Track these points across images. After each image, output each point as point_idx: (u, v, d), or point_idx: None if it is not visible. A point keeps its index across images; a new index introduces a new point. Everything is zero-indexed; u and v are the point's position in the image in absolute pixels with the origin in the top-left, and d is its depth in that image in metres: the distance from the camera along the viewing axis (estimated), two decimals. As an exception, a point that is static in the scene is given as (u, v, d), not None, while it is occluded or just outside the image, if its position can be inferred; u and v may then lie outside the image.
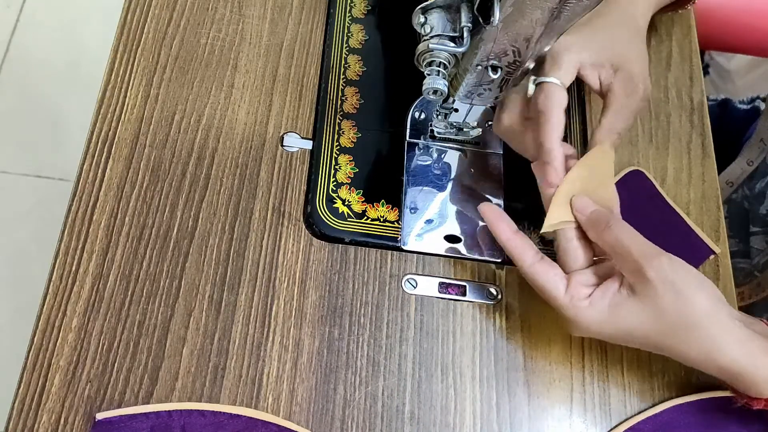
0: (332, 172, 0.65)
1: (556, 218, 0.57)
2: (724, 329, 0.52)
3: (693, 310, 0.52)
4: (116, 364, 0.56)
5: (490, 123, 0.69)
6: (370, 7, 0.74)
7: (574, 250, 0.57)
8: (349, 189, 0.65)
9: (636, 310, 0.53)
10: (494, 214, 0.58)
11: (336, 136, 0.67)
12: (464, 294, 0.62)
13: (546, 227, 0.57)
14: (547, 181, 0.58)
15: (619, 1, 0.65)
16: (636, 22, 0.64)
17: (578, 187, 0.58)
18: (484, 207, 0.59)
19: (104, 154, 0.63)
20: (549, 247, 0.62)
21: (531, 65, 0.58)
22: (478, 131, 0.68)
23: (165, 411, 0.54)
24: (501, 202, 0.66)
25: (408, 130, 0.68)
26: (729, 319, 0.53)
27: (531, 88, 0.59)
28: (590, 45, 0.61)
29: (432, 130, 0.67)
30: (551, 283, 0.55)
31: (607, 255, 0.56)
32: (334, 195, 0.64)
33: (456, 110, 0.67)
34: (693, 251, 0.66)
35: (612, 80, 0.61)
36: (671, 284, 0.52)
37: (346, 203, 0.64)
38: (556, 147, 0.57)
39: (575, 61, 0.60)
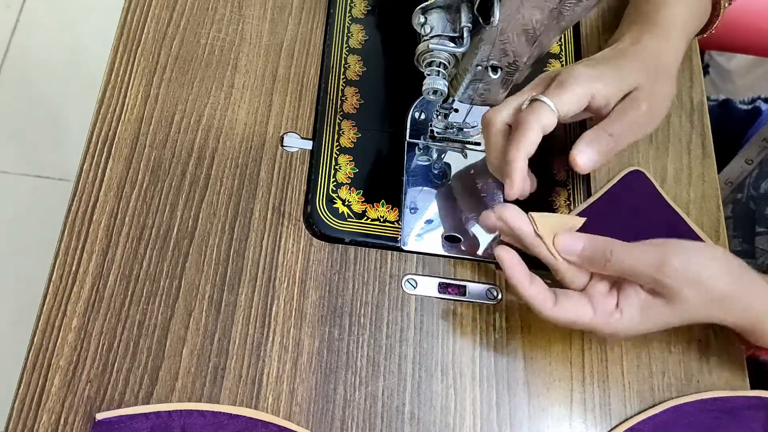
0: (332, 172, 0.65)
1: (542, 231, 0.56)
2: (745, 287, 0.55)
3: (716, 284, 0.54)
4: (116, 364, 0.56)
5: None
6: (370, 7, 0.74)
7: (539, 293, 0.55)
8: (349, 189, 0.65)
9: (664, 310, 0.54)
10: (512, 262, 0.55)
11: (336, 136, 0.67)
12: (464, 294, 0.62)
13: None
14: (511, 188, 0.57)
15: (641, 39, 0.64)
16: (658, 59, 0.63)
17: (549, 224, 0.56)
18: (502, 253, 0.55)
19: (104, 154, 0.63)
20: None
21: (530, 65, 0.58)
22: (478, 131, 0.68)
23: (165, 411, 0.54)
24: (501, 202, 0.66)
25: (408, 130, 0.68)
26: (747, 274, 0.56)
27: (525, 104, 0.58)
28: (604, 77, 0.59)
29: (432, 130, 0.67)
30: (578, 315, 0.54)
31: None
32: (334, 195, 0.64)
33: (456, 110, 0.67)
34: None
35: (618, 104, 0.60)
36: (688, 276, 0.53)
37: (346, 203, 0.64)
38: (519, 158, 0.56)
39: (585, 94, 0.58)
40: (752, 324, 0.56)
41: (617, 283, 0.56)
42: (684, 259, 0.53)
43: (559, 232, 0.56)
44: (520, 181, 0.57)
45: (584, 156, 0.58)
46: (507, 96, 0.62)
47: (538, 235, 0.55)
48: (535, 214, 0.56)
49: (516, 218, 0.56)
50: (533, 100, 0.57)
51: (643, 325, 0.55)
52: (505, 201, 0.59)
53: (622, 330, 0.54)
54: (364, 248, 0.62)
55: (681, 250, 0.54)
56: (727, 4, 0.68)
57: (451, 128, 0.67)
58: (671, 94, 0.63)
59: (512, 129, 0.58)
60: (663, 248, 0.54)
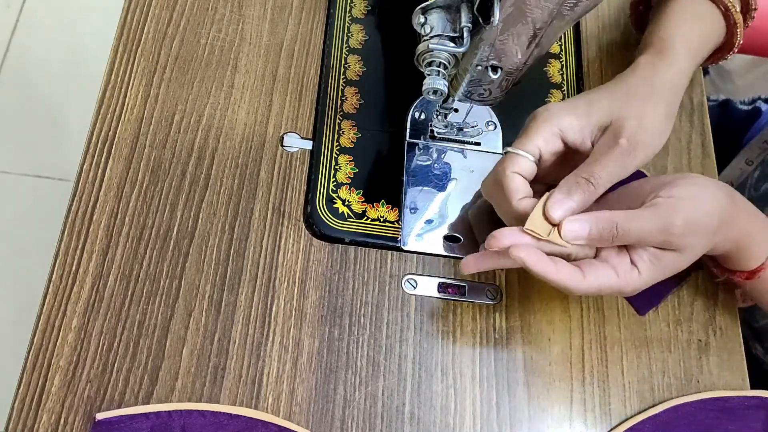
0: (332, 172, 0.65)
1: (531, 226, 0.54)
2: (737, 214, 0.57)
3: (713, 223, 0.55)
4: (116, 364, 0.56)
5: (490, 122, 0.69)
6: (370, 7, 0.74)
7: (566, 272, 0.54)
8: (349, 189, 0.65)
9: (674, 258, 0.55)
10: (531, 258, 0.53)
11: (336, 136, 0.67)
12: (464, 294, 0.62)
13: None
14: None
15: (638, 61, 0.61)
16: (651, 86, 0.59)
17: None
18: (519, 254, 0.53)
19: (104, 154, 0.63)
20: None
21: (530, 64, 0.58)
22: (478, 131, 0.68)
23: (165, 411, 0.54)
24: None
25: (408, 130, 0.68)
26: (740, 202, 0.59)
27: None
28: (574, 111, 0.57)
29: (432, 130, 0.67)
30: (605, 281, 0.54)
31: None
32: (334, 195, 0.64)
33: (456, 110, 0.67)
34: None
35: (597, 140, 0.57)
36: (692, 231, 0.54)
37: (346, 203, 0.64)
38: (515, 207, 0.56)
39: (553, 131, 0.56)
40: (738, 246, 0.59)
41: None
42: (685, 214, 0.54)
43: (563, 221, 0.54)
44: (507, 237, 0.54)
45: (559, 209, 0.54)
46: (505, 95, 0.63)
47: (545, 240, 0.54)
48: (528, 227, 0.54)
49: (529, 254, 0.53)
50: (505, 153, 0.58)
51: (658, 274, 0.56)
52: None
53: (643, 285, 0.55)
54: (364, 248, 0.62)
55: (680, 205, 0.54)
56: (738, 11, 0.65)
57: (451, 128, 0.67)
58: (664, 120, 0.58)
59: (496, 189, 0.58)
60: (663, 209, 0.54)
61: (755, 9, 0.66)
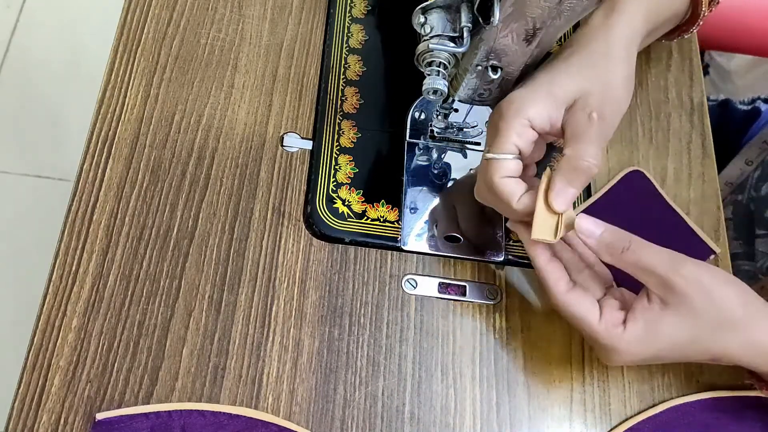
0: (332, 172, 0.65)
1: (540, 235, 0.54)
2: (761, 319, 0.53)
3: (727, 306, 0.52)
4: (116, 364, 0.56)
5: (490, 123, 0.69)
6: (370, 7, 0.74)
7: (555, 270, 0.55)
8: (349, 189, 0.65)
9: (672, 321, 0.52)
10: (589, 229, 0.54)
11: (336, 136, 0.67)
12: (464, 294, 0.62)
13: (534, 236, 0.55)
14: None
15: (592, 27, 0.58)
16: (606, 46, 0.57)
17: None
18: (520, 228, 0.56)
19: (104, 154, 0.63)
20: None
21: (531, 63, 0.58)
22: (478, 131, 0.68)
23: (165, 411, 0.54)
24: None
25: (408, 130, 0.68)
26: (764, 307, 0.53)
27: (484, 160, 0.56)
28: (538, 97, 0.55)
29: (432, 130, 0.67)
30: (585, 312, 0.53)
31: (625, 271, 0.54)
32: (334, 195, 0.64)
33: (456, 110, 0.67)
34: (693, 251, 0.66)
35: (568, 117, 0.55)
36: (701, 286, 0.51)
37: (346, 203, 0.64)
38: (521, 206, 0.54)
39: (523, 124, 0.55)
40: (764, 359, 0.53)
41: (627, 303, 0.55)
42: (702, 268, 0.52)
43: (580, 215, 0.54)
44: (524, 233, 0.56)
45: (562, 201, 0.54)
46: (505, 95, 0.62)
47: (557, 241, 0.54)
48: (535, 237, 0.54)
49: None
50: (486, 160, 0.56)
51: (647, 343, 0.52)
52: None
53: (623, 345, 0.52)
54: (364, 248, 0.62)
55: (701, 263, 0.53)
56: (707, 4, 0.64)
57: (451, 128, 0.67)
58: (626, 81, 0.57)
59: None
60: (681, 255, 0.53)
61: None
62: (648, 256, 0.53)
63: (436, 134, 0.67)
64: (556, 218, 0.54)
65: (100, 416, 0.53)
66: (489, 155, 0.55)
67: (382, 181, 0.65)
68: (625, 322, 0.53)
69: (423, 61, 0.58)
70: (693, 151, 0.71)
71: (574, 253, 0.58)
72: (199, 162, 0.64)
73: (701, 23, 0.66)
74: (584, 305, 0.54)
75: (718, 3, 0.66)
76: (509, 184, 0.55)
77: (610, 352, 0.53)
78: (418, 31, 0.58)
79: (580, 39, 0.58)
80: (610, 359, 0.54)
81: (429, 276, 0.62)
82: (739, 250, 0.79)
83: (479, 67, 0.58)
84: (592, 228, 0.54)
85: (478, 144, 0.68)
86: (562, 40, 0.75)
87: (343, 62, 0.70)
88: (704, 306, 0.51)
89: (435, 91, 0.58)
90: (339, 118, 0.68)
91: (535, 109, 0.55)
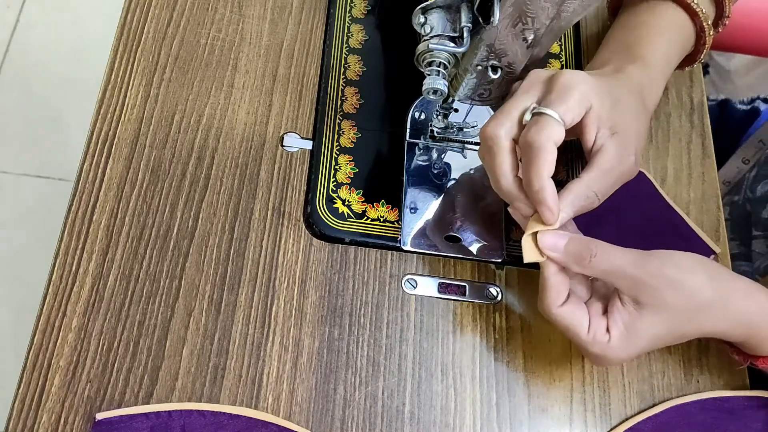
0: (332, 172, 0.65)
1: (531, 258, 0.54)
2: (731, 292, 0.54)
3: (697, 291, 0.53)
4: (116, 364, 0.56)
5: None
6: (370, 7, 0.74)
7: (559, 284, 0.54)
8: (349, 189, 0.65)
9: (649, 320, 0.53)
10: (551, 243, 0.54)
11: (336, 136, 0.67)
12: (464, 294, 0.62)
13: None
14: (547, 218, 0.54)
15: (625, 69, 0.60)
16: (643, 99, 0.60)
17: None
18: (547, 238, 0.54)
19: (104, 154, 0.63)
20: None
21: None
22: (478, 131, 0.68)
23: (165, 411, 0.54)
24: (501, 202, 0.66)
25: (408, 130, 0.68)
26: (732, 280, 0.55)
27: (527, 116, 0.54)
28: (603, 96, 0.55)
29: (432, 130, 0.67)
30: (576, 324, 0.54)
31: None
32: (334, 195, 0.64)
33: (456, 110, 0.67)
34: (693, 251, 0.66)
35: (606, 142, 0.55)
36: (667, 280, 0.52)
37: (346, 203, 0.64)
38: (547, 185, 0.52)
39: (585, 105, 0.54)
40: (745, 332, 0.55)
41: (607, 297, 0.55)
42: (665, 260, 0.53)
43: (541, 231, 0.54)
44: (556, 204, 0.53)
45: (559, 215, 0.54)
46: (505, 95, 0.62)
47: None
48: (528, 260, 0.54)
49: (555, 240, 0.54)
50: (537, 113, 0.53)
51: (631, 345, 0.53)
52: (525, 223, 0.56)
53: (610, 353, 0.53)
54: (364, 248, 0.62)
55: (663, 255, 0.53)
56: (711, 33, 0.65)
57: (451, 128, 0.67)
58: (646, 132, 0.60)
59: (521, 149, 0.54)
60: (646, 252, 0.53)
61: (728, 17, 0.66)
62: (614, 260, 0.53)
63: (436, 134, 0.67)
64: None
65: (100, 416, 0.53)
66: (545, 110, 0.52)
67: (382, 181, 0.65)
68: (608, 328, 0.53)
69: (423, 61, 0.58)
70: (693, 151, 0.71)
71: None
72: (199, 162, 0.64)
73: (694, 66, 0.69)
74: (575, 319, 0.54)
75: (717, 32, 0.67)
76: (553, 152, 0.52)
77: (599, 359, 0.55)
78: (418, 31, 0.58)
79: (619, 84, 0.58)
80: (599, 364, 0.56)
81: (429, 276, 0.62)
82: (736, 251, 0.79)
83: (479, 67, 0.58)
84: (555, 241, 0.53)
85: (479, 144, 0.68)
86: (562, 39, 0.75)
87: (343, 62, 0.70)
88: (675, 298, 0.52)
89: (435, 91, 0.58)
90: (339, 118, 0.68)
91: (599, 106, 0.54)
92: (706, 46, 0.66)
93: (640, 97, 0.60)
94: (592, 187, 0.54)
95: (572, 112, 0.53)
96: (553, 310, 0.54)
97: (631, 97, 0.58)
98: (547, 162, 0.52)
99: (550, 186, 0.52)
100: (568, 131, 0.54)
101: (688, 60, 0.68)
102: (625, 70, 0.60)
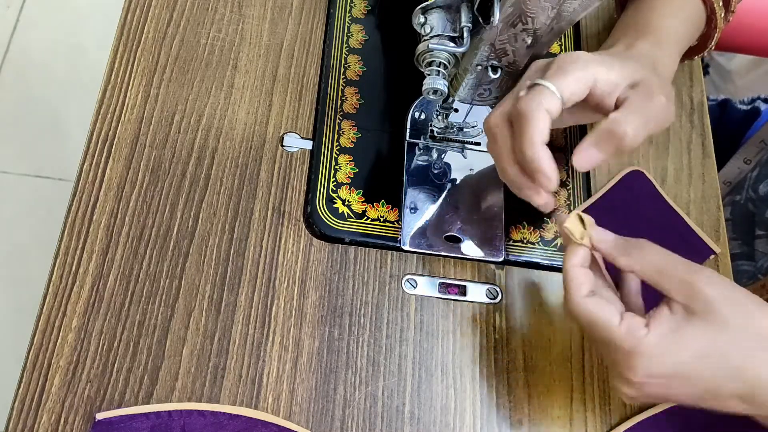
0: (332, 172, 0.65)
1: (575, 232, 0.52)
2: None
3: (756, 321, 0.47)
4: (116, 364, 0.56)
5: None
6: (370, 7, 0.74)
7: (581, 275, 0.50)
8: (349, 189, 0.65)
9: (699, 330, 0.46)
10: (599, 235, 0.51)
11: (336, 136, 0.67)
12: (464, 294, 0.62)
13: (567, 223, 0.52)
14: (540, 194, 0.52)
15: (636, 45, 0.59)
16: (655, 65, 0.57)
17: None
18: (596, 230, 0.51)
19: (104, 154, 0.63)
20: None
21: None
22: (478, 131, 0.68)
23: (165, 411, 0.54)
24: (501, 202, 0.66)
25: (408, 130, 0.68)
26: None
27: (523, 93, 0.52)
28: (609, 63, 0.53)
29: (432, 130, 0.67)
30: (605, 315, 0.48)
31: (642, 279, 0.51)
32: (334, 195, 0.64)
33: (456, 110, 0.67)
34: (693, 251, 0.66)
35: (628, 94, 0.52)
36: (727, 297, 0.47)
37: (346, 203, 0.64)
38: (541, 151, 0.50)
39: (587, 78, 0.52)
40: None
41: (649, 314, 0.49)
42: (724, 278, 0.48)
43: (589, 223, 0.52)
44: (554, 171, 0.51)
45: (582, 159, 0.52)
46: (505, 95, 0.62)
47: (578, 242, 0.52)
48: (567, 225, 0.52)
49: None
50: (532, 85, 0.52)
51: (672, 349, 0.47)
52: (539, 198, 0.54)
53: (646, 349, 0.47)
54: (364, 248, 0.62)
55: (720, 275, 0.49)
56: (723, 15, 0.65)
57: (451, 128, 0.67)
58: (672, 104, 0.56)
59: (513, 121, 0.52)
60: (701, 266, 0.49)
61: (732, 12, 0.66)
62: (666, 260, 0.49)
63: (436, 134, 0.67)
64: (582, 232, 0.52)
65: (100, 416, 0.53)
66: (542, 81, 0.51)
67: (382, 181, 0.65)
68: (647, 326, 0.48)
69: (423, 61, 0.58)
70: (693, 151, 0.72)
71: (605, 278, 0.54)
72: (199, 162, 0.64)
73: (706, 54, 0.68)
74: (604, 310, 0.49)
75: (728, 20, 0.66)
76: (545, 120, 0.50)
77: (631, 358, 0.47)
78: (418, 31, 0.58)
79: (632, 54, 0.57)
80: (627, 370, 0.48)
81: (429, 276, 0.62)
82: (738, 251, 0.79)
83: (479, 67, 0.58)
84: (605, 235, 0.51)
85: (479, 144, 0.68)
86: (562, 39, 0.75)
87: (343, 62, 0.70)
88: (732, 313, 0.46)
89: (435, 91, 0.58)
90: (339, 118, 0.68)
91: (604, 70, 0.52)
92: (718, 29, 0.65)
93: (652, 68, 0.57)
94: (621, 123, 0.51)
95: (571, 86, 0.51)
96: (578, 300, 0.49)
97: (643, 64, 0.56)
98: (538, 129, 0.50)
99: (544, 152, 0.50)
100: (591, 109, 0.53)
101: (699, 46, 0.68)
102: (635, 45, 0.59)
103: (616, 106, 0.53)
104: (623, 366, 0.48)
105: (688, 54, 0.68)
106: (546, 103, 0.50)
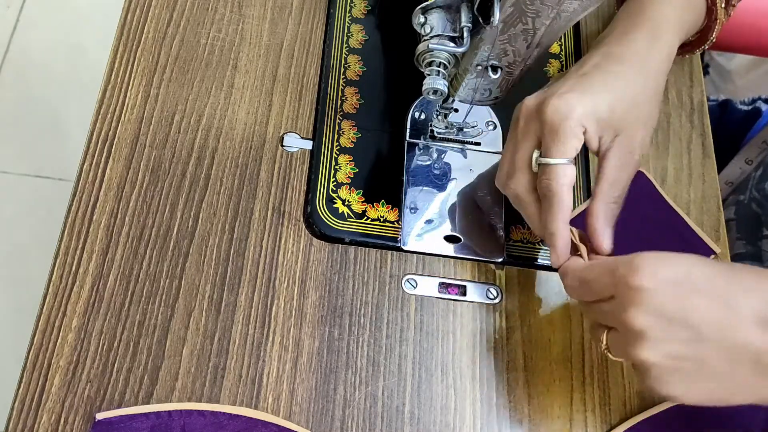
0: (332, 172, 0.65)
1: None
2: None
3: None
4: (116, 364, 0.56)
5: (490, 122, 0.69)
6: (370, 7, 0.74)
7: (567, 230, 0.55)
8: (349, 189, 0.65)
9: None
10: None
11: (336, 136, 0.67)
12: (464, 294, 0.62)
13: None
14: (553, 262, 0.56)
15: (628, 32, 0.59)
16: (654, 73, 0.59)
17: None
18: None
19: (104, 154, 0.63)
20: None
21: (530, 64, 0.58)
22: (478, 131, 0.68)
23: (165, 411, 0.54)
24: (501, 202, 0.66)
25: (408, 130, 0.68)
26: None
27: (535, 166, 0.55)
28: (597, 101, 0.55)
29: (432, 130, 0.67)
30: (596, 259, 0.54)
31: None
32: (334, 195, 0.64)
33: (456, 110, 0.67)
34: (693, 251, 0.66)
35: (611, 146, 0.56)
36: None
37: (346, 203, 0.64)
38: (560, 229, 0.54)
39: (578, 128, 0.54)
40: None
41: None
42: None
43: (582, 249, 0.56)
44: (565, 248, 0.55)
45: (608, 240, 0.56)
46: (505, 95, 0.63)
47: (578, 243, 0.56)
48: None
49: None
50: (543, 165, 0.55)
51: (674, 258, 0.50)
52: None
53: (650, 254, 0.49)
54: (364, 248, 0.62)
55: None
56: (723, 6, 0.65)
57: (451, 128, 0.67)
58: (656, 115, 0.59)
59: (540, 194, 0.56)
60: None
61: (734, 6, 0.66)
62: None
63: (436, 134, 0.67)
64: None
65: (100, 416, 0.53)
66: (549, 160, 0.54)
67: (382, 181, 0.65)
68: None
69: (423, 61, 0.58)
70: (693, 152, 0.71)
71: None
72: (199, 162, 0.64)
73: (707, 47, 0.68)
74: (593, 257, 0.55)
75: (729, 14, 0.66)
76: (569, 195, 0.54)
77: (636, 265, 0.48)
78: (418, 31, 0.58)
79: (623, 55, 0.58)
80: (637, 271, 0.47)
81: (429, 276, 0.62)
82: (743, 251, 0.79)
83: (479, 67, 0.58)
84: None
85: (478, 144, 0.68)
86: (562, 39, 0.75)
87: (343, 62, 0.70)
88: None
89: (435, 91, 0.58)
90: (339, 118, 0.68)
91: (592, 122, 0.55)
92: (719, 21, 0.65)
93: (645, 68, 0.58)
94: (609, 200, 0.56)
95: (572, 147, 0.54)
96: (565, 253, 0.55)
97: (637, 79, 0.57)
98: (562, 209, 0.54)
99: (563, 231, 0.55)
100: None
101: (700, 39, 0.67)
102: (630, 33, 0.59)
103: (598, 153, 0.57)
104: (630, 279, 0.47)
105: (689, 48, 0.68)
106: (566, 180, 0.54)
